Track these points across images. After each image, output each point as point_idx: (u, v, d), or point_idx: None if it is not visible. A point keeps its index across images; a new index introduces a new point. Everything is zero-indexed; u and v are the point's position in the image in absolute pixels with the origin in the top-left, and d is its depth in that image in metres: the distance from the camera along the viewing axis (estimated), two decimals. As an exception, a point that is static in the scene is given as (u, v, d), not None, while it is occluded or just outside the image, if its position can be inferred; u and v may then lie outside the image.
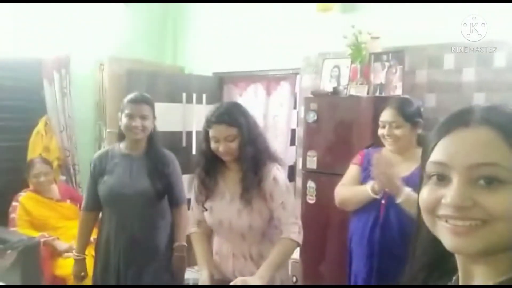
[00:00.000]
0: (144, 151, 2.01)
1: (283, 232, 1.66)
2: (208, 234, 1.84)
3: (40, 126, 3.30)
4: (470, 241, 0.57)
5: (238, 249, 1.74)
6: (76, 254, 2.08)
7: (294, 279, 3.15)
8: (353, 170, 1.96)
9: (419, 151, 1.75)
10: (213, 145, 1.66)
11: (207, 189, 1.74)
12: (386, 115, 1.78)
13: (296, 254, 3.06)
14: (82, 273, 2.06)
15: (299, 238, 1.65)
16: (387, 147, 1.81)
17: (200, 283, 1.63)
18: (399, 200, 1.62)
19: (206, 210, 1.75)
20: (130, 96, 1.98)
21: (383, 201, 1.75)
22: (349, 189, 1.90)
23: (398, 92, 2.59)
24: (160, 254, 2.00)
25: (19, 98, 3.22)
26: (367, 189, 1.75)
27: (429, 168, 0.63)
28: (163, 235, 2.01)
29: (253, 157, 1.65)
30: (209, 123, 1.66)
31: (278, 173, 1.70)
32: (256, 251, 1.72)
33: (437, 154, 0.62)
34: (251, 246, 1.72)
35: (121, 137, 2.02)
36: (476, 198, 0.57)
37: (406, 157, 1.78)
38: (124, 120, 1.92)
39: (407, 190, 1.61)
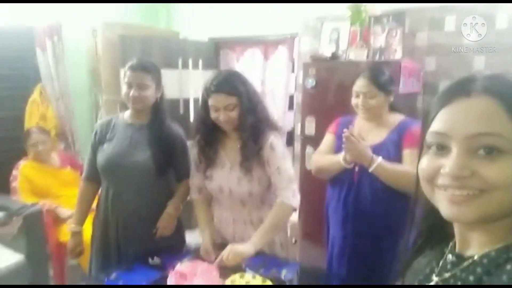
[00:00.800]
0: (148, 121, 1.86)
1: (278, 196, 1.68)
2: (209, 200, 1.87)
3: (35, 95, 3.27)
4: (466, 209, 0.58)
5: (238, 214, 1.77)
6: (73, 225, 1.93)
7: (294, 240, 3.23)
8: (328, 138, 1.97)
9: (392, 117, 1.81)
10: (212, 114, 1.65)
11: (207, 158, 1.76)
12: (360, 85, 1.78)
13: (295, 217, 3.12)
14: (79, 248, 1.93)
15: (294, 202, 1.67)
16: (361, 116, 1.83)
17: (201, 248, 1.67)
18: (371, 169, 1.67)
19: (207, 178, 1.77)
20: (130, 62, 1.82)
21: (356, 169, 1.79)
22: (324, 158, 1.92)
23: (398, 55, 2.56)
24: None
25: (12, 67, 3.17)
26: (340, 160, 1.78)
27: (429, 138, 0.63)
28: (163, 209, 1.90)
29: (253, 125, 1.65)
30: (208, 92, 1.64)
31: (275, 140, 1.71)
32: (256, 216, 1.76)
33: (437, 124, 0.62)
34: (251, 211, 1.76)
35: (124, 105, 1.90)
36: (475, 168, 0.57)
37: (378, 124, 1.81)
38: (124, 89, 1.80)
39: (378, 159, 1.66)
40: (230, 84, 1.62)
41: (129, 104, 1.81)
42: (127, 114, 1.89)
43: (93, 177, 1.91)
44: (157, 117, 1.86)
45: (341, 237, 1.88)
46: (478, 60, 2.64)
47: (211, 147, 1.75)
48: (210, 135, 1.73)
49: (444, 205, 0.61)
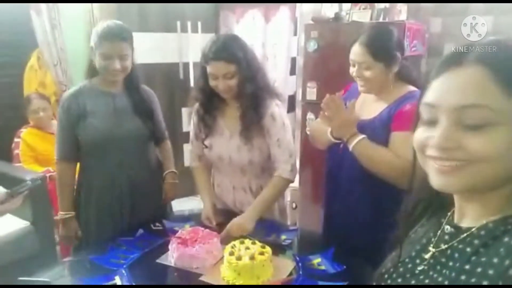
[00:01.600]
0: (123, 87, 1.78)
1: (276, 169, 1.69)
2: (209, 167, 1.88)
3: (33, 61, 3.21)
4: (454, 179, 0.59)
5: (238, 182, 1.78)
6: (62, 213, 1.77)
7: (294, 205, 3.28)
8: None
9: (397, 89, 1.52)
10: (211, 82, 1.62)
11: (206, 126, 1.74)
12: (354, 53, 1.51)
13: (296, 183, 3.15)
14: (77, 232, 1.80)
15: (292, 176, 1.69)
16: (359, 88, 1.57)
17: (202, 214, 1.70)
18: (350, 147, 1.45)
19: (207, 147, 1.76)
20: (103, 30, 1.66)
21: (341, 145, 1.56)
22: (318, 128, 1.70)
23: (403, 16, 2.48)
24: (157, 194, 1.91)
25: (7, 32, 3.09)
26: (327, 132, 1.58)
27: (421, 109, 0.63)
28: (157, 174, 1.92)
29: (252, 94, 1.61)
30: (206, 59, 1.59)
31: (276, 109, 1.68)
32: (255, 184, 1.77)
33: (428, 95, 0.62)
34: (250, 179, 1.76)
35: (92, 72, 1.75)
36: (462, 140, 0.57)
37: (380, 97, 1.55)
38: (99, 61, 1.65)
39: (360, 136, 1.44)
40: (228, 51, 1.57)
41: (108, 76, 1.69)
42: (98, 82, 1.76)
43: (72, 156, 1.78)
44: (133, 83, 1.79)
45: (334, 210, 1.74)
46: (486, 20, 2.54)
47: (210, 115, 1.73)
48: (209, 103, 1.70)
49: (432, 174, 0.62)
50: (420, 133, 0.64)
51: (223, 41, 1.60)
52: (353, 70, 1.54)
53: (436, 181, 0.62)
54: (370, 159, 1.44)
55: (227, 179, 1.80)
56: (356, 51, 1.50)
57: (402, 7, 2.49)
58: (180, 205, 2.82)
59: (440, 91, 0.60)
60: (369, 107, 1.56)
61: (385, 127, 1.46)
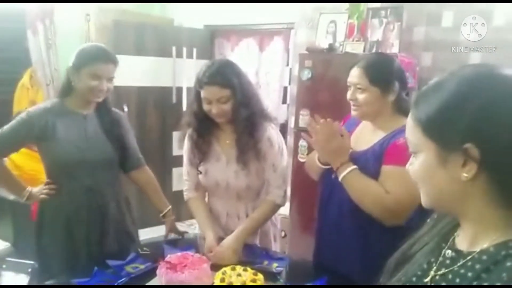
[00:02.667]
0: (94, 109, 1.74)
1: (269, 194, 1.69)
2: (205, 196, 1.85)
3: (25, 79, 3.20)
4: (421, 197, 0.72)
5: (233, 208, 1.75)
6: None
7: (283, 233, 3.23)
8: None
9: (396, 119, 1.47)
10: (205, 106, 1.60)
11: (200, 151, 1.71)
12: (352, 75, 1.49)
13: (286, 210, 3.12)
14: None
15: (283, 202, 1.71)
16: (352, 112, 1.53)
17: (206, 246, 1.61)
18: (340, 177, 1.41)
19: (201, 173, 1.74)
20: (96, 50, 1.68)
21: (333, 176, 1.50)
22: (311, 156, 1.67)
23: (395, 50, 2.55)
24: (125, 222, 1.84)
25: (2, 50, 3.09)
26: (315, 158, 1.55)
27: None
28: (123, 203, 1.87)
29: (247, 119, 1.60)
30: (200, 83, 1.58)
31: (273, 133, 1.68)
32: (251, 209, 1.74)
33: None
34: (246, 205, 1.74)
35: (66, 92, 1.71)
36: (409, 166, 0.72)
37: (376, 128, 1.51)
38: (86, 80, 1.62)
39: (351, 167, 1.40)
40: (223, 76, 1.56)
41: (91, 96, 1.66)
42: (70, 103, 1.70)
43: (4, 154, 1.79)
44: (106, 105, 1.76)
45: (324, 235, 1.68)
46: (474, 56, 2.63)
47: (204, 141, 1.70)
48: (203, 128, 1.68)
49: None
50: None
51: (217, 66, 1.60)
52: (349, 93, 1.51)
53: None
54: (359, 191, 1.41)
55: (221, 205, 1.77)
56: (354, 73, 1.48)
57: (394, 40, 2.56)
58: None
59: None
60: (365, 138, 1.53)
61: (377, 160, 1.43)
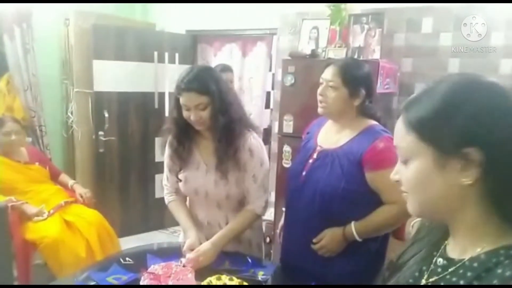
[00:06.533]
0: None
1: (249, 203, 1.67)
2: (185, 200, 1.82)
3: (1, 85, 3.12)
4: (408, 204, 0.70)
5: (213, 217, 1.72)
6: None
7: (268, 239, 3.22)
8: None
9: (360, 121, 1.55)
10: (184, 113, 1.57)
11: (180, 158, 1.68)
12: (326, 72, 1.55)
13: (271, 216, 3.11)
14: None
15: (264, 212, 1.70)
16: (318, 110, 1.58)
17: (186, 244, 1.58)
18: (357, 238, 1.49)
19: (181, 181, 1.71)
20: None
21: (303, 173, 1.59)
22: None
23: (376, 56, 2.57)
24: None
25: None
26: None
27: None
28: None
29: (226, 126, 1.57)
30: (178, 90, 1.56)
31: (254, 142, 1.65)
32: (232, 219, 1.71)
33: None
34: (227, 214, 1.71)
35: None
36: (401, 173, 0.70)
37: (345, 126, 1.57)
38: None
39: (353, 229, 1.48)
40: (201, 82, 1.53)
41: None
42: None
43: None
44: None
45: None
46: (453, 62, 2.69)
47: (184, 147, 1.67)
48: (183, 134, 1.65)
49: None
50: None
51: (196, 72, 1.57)
52: (320, 89, 1.56)
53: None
54: (377, 230, 1.51)
55: (202, 213, 1.74)
56: (329, 71, 1.54)
57: (376, 46, 2.59)
58: (152, 239, 2.71)
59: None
60: (333, 137, 1.58)
61: (353, 161, 1.47)
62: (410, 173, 0.66)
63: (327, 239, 1.51)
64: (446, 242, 0.70)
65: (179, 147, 1.67)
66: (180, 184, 1.72)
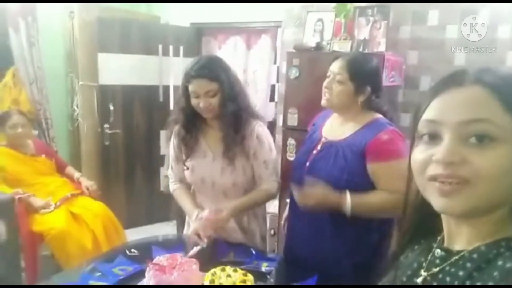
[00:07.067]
0: None
1: (263, 184, 1.70)
2: (190, 188, 1.84)
3: (7, 78, 3.13)
4: (456, 201, 0.58)
5: (219, 206, 1.74)
6: None
7: (272, 231, 3.23)
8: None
9: (365, 114, 1.55)
10: (193, 101, 1.60)
11: (187, 147, 1.70)
12: (334, 65, 1.55)
13: (275, 208, 3.12)
14: None
15: (277, 193, 1.74)
16: (322, 102, 1.58)
17: (191, 228, 1.62)
18: (348, 213, 1.43)
19: (188, 168, 1.73)
20: None
21: (307, 164, 1.58)
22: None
23: (382, 48, 2.55)
24: None
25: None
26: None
27: (421, 126, 0.63)
28: None
29: (234, 114, 1.60)
30: (188, 77, 1.58)
31: (261, 130, 1.68)
32: None
33: (430, 112, 0.62)
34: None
35: None
36: (466, 156, 0.57)
37: (347, 121, 1.57)
38: None
39: (348, 201, 1.42)
40: (211, 70, 1.57)
41: None
42: None
43: None
44: None
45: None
46: (459, 55, 2.67)
47: (191, 136, 1.69)
48: (191, 123, 1.68)
49: (434, 197, 0.61)
50: (420, 153, 0.63)
51: (205, 60, 1.61)
52: (326, 81, 1.56)
53: (437, 203, 0.60)
54: (369, 211, 1.46)
55: (208, 203, 1.76)
56: (337, 64, 1.54)
57: (381, 39, 2.57)
58: (157, 231, 2.73)
59: (441, 108, 0.61)
60: (338, 129, 1.58)
61: (356, 153, 1.47)
62: (495, 159, 0.56)
63: (318, 190, 1.44)
64: (442, 233, 0.69)
65: (186, 135, 1.70)
66: (187, 173, 1.74)
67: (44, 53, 3.24)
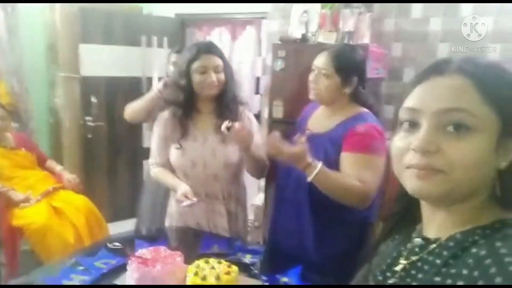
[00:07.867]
0: None
1: None
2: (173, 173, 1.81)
3: (-15, 69, 3.04)
4: (430, 185, 0.59)
5: (210, 190, 1.73)
6: None
7: (256, 223, 3.24)
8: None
9: (352, 107, 1.54)
10: (198, 77, 1.63)
11: (183, 126, 1.71)
12: (319, 59, 1.54)
13: (260, 201, 3.12)
14: None
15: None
16: (310, 96, 1.58)
17: (178, 193, 1.61)
18: (310, 178, 1.38)
19: (181, 147, 1.71)
20: None
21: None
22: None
23: (366, 40, 2.56)
24: None
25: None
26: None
27: (402, 114, 0.64)
28: None
29: (233, 92, 1.71)
30: (198, 53, 1.64)
31: (250, 114, 1.80)
32: (227, 191, 1.75)
33: (410, 100, 0.63)
34: (222, 186, 1.74)
35: None
36: (442, 145, 0.58)
37: (335, 112, 1.57)
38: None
39: (317, 169, 1.36)
40: (218, 48, 1.70)
41: None
42: None
43: None
44: None
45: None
46: (443, 47, 2.69)
47: (187, 116, 1.72)
48: (188, 104, 1.70)
49: (410, 180, 0.61)
50: (399, 140, 0.64)
51: (208, 41, 1.76)
52: (311, 75, 1.55)
53: (413, 186, 0.61)
54: (331, 187, 1.41)
55: (199, 187, 1.70)
56: (321, 58, 1.54)
57: (366, 31, 2.58)
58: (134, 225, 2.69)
59: (422, 96, 0.62)
60: (323, 122, 1.59)
61: (335, 145, 1.48)
62: (470, 149, 0.57)
63: (289, 149, 1.38)
64: (421, 222, 0.70)
65: (183, 115, 1.71)
66: (176, 158, 1.72)
67: (25, 43, 3.16)
